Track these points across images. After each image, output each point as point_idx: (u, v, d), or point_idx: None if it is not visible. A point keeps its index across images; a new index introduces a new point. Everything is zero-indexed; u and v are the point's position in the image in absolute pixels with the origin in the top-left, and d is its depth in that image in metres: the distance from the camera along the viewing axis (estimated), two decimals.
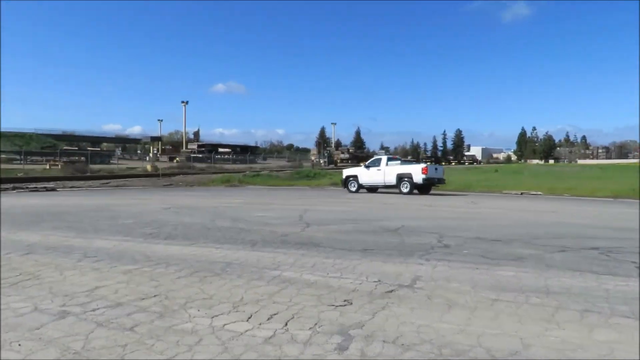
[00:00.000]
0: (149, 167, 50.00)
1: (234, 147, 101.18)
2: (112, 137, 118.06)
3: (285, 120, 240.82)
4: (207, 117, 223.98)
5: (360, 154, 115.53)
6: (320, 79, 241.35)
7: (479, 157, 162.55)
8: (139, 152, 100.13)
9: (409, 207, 14.74)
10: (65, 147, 76.37)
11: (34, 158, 63.63)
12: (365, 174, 23.39)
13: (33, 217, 11.14)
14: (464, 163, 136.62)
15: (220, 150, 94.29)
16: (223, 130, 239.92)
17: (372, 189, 23.47)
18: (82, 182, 30.12)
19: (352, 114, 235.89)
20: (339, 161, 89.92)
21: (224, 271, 5.72)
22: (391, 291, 4.93)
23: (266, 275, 5.53)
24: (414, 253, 6.96)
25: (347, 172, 24.57)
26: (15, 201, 16.29)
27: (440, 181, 22.87)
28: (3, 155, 60.42)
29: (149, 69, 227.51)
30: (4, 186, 24.78)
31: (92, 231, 8.89)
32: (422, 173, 21.87)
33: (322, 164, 75.67)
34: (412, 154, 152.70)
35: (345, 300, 4.59)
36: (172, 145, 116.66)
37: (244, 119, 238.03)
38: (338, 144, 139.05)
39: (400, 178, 22.15)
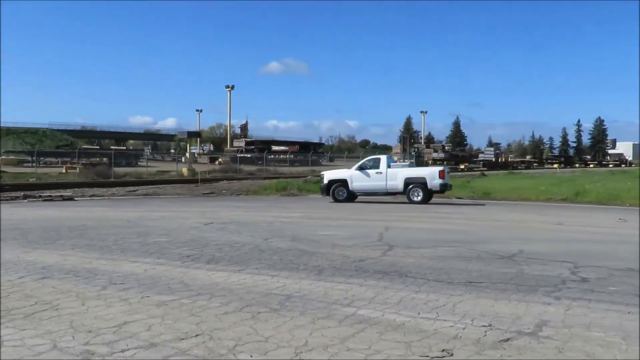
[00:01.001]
0: (185, 171, 52.13)
1: (292, 145, 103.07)
2: (140, 133, 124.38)
3: (360, 109, 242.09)
4: (258, 105, 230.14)
5: (460, 152, 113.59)
6: (406, 53, 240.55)
7: (629, 157, 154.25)
8: (172, 151, 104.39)
9: (527, 226, 14.30)
10: (84, 146, 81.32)
11: (48, 159, 68.14)
12: (359, 178, 23.86)
13: (49, 232, 11.97)
14: (607, 164, 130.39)
15: (275, 148, 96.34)
16: (278, 123, 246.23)
17: (352, 196, 24.09)
18: (104, 190, 31.92)
19: (449, 99, 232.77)
20: (431, 162, 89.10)
21: (283, 306, 5.85)
22: (507, 340, 4.82)
23: (337, 313, 5.58)
24: (537, 288, 6.75)
25: (330, 175, 24.75)
26: (28, 213, 17.55)
27: (449, 187, 24.55)
28: (12, 157, 65.32)
29: (185, 46, 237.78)
30: (14, 194, 26.76)
31: (119, 251, 9.41)
32: (440, 177, 23.13)
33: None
34: (532, 151, 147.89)
35: (444, 350, 4.54)
36: (213, 143, 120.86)
37: (305, 108, 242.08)
38: (430, 139, 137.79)
39: (409, 183, 23.15)
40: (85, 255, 8.94)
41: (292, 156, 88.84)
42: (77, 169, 49.01)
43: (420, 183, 23.03)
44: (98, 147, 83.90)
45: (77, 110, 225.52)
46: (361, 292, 6.48)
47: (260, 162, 71.44)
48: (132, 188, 33.51)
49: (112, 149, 70.23)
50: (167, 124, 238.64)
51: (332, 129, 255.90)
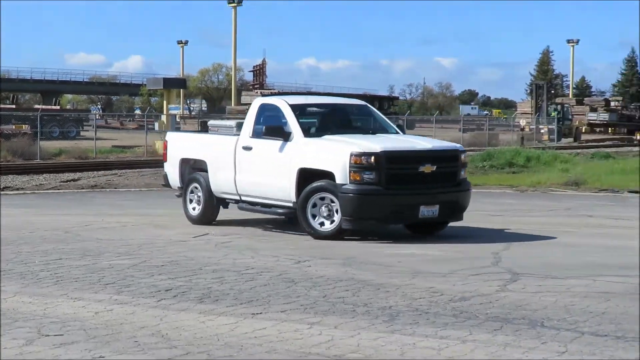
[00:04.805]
0: (159, 145, 52.14)
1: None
2: (85, 82, 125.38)
3: (460, 38, 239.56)
4: (284, 34, 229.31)
5: (637, 110, 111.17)
6: None
7: None
8: (138, 112, 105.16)
9: None
10: None
11: None
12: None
13: None
14: None
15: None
16: (318, 63, 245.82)
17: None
18: (24, 179, 32.39)
19: (618, 17, 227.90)
20: (583, 128, 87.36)
21: None
22: None
23: None
24: None
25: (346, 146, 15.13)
26: None
27: None
28: None
29: None
30: None
31: (51, 282, 9.61)
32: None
33: (546, 135, 74.00)
34: None
35: None
36: (207, 98, 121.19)
37: (364, 37, 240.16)
38: (584, 90, 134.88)
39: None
40: None
41: None
42: None
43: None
44: (14, 105, 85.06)
45: None
46: (464, 353, 6.47)
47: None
48: (71, 175, 33.81)
49: (37, 110, 71.13)
50: (129, 66, 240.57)
51: (413, 72, 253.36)
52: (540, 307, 8.22)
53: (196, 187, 16.20)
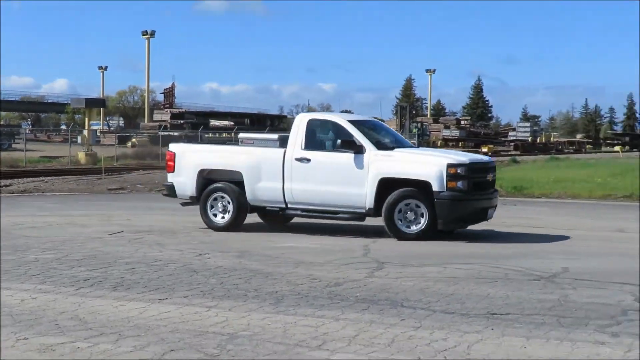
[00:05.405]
0: (82, 156, 51.49)
1: (239, 117, 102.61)
2: (16, 102, 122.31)
3: (339, 67, 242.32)
4: (190, 62, 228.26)
5: (482, 128, 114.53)
6: None
7: None
8: (63, 127, 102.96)
9: (575, 234, 14.47)
10: None
11: None
12: None
13: None
14: None
15: (214, 123, 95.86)
16: (219, 87, 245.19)
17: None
18: None
19: (468, 51, 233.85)
20: (439, 142, 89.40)
21: (224, 350, 5.87)
22: None
23: None
24: (587, 322, 6.90)
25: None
26: None
27: None
28: None
29: None
30: None
31: None
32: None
33: None
34: (584, 128, 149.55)
35: None
36: (124, 115, 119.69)
37: (259, 65, 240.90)
38: (439, 111, 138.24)
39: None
40: None
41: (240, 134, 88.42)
42: None
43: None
44: None
45: None
46: (337, 330, 6.54)
47: (193, 142, 70.82)
48: (3, 182, 33.05)
49: None
50: (56, 87, 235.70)
51: (299, 95, 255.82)
52: (401, 290, 8.39)
53: (221, 197, 14.67)
